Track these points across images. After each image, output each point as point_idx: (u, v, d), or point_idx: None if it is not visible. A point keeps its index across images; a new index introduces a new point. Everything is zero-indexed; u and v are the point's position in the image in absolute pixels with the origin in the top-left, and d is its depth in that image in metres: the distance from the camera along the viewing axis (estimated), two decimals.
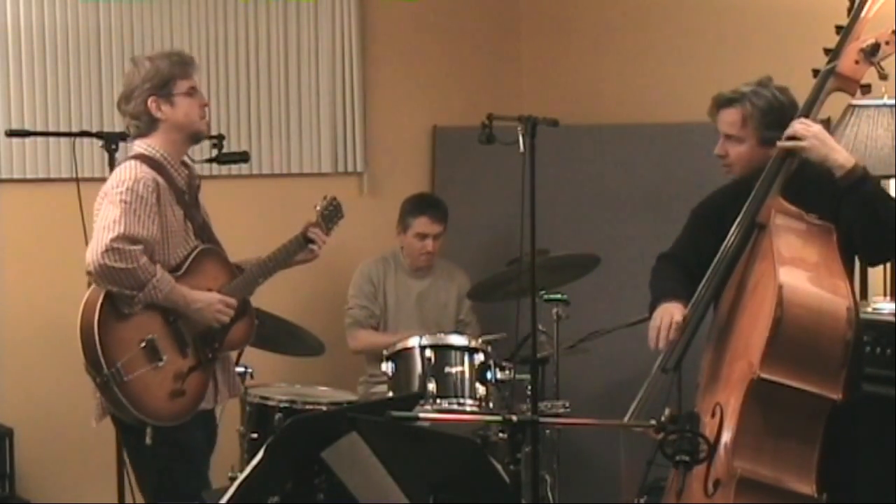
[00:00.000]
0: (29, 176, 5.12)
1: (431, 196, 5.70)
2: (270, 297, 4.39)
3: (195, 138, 4.02)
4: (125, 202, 3.78)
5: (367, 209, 5.82)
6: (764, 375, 3.47)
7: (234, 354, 4.35)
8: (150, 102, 3.91)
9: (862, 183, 3.66)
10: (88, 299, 3.82)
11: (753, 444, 3.51)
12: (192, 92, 3.97)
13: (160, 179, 3.88)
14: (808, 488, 3.49)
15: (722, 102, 3.92)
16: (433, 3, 6.10)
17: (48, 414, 5.14)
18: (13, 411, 5.10)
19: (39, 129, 5.01)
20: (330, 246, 4.33)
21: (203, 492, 4.00)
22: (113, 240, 3.72)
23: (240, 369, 4.67)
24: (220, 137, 4.25)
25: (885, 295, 4.53)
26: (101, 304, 3.78)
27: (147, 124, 3.94)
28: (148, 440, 3.88)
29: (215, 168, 4.63)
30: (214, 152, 4.25)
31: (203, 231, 4.04)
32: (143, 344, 3.80)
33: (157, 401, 3.83)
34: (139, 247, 3.76)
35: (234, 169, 5.00)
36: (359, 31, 5.83)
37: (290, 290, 5.14)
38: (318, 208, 4.36)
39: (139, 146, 3.96)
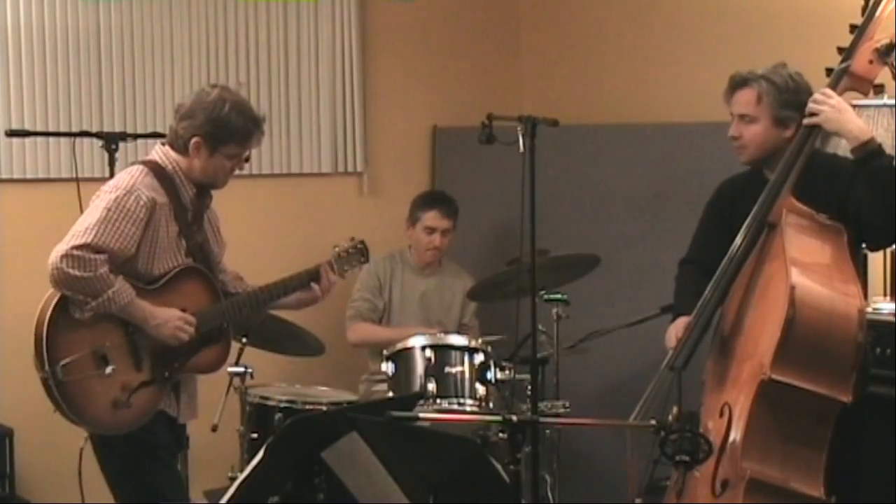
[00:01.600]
0: (29, 176, 5.11)
1: (443, 193, 5.69)
2: None
3: (208, 187, 3.96)
4: (108, 209, 3.71)
5: (367, 209, 5.82)
6: (775, 377, 3.46)
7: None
8: (195, 140, 3.83)
9: (875, 156, 3.65)
10: (49, 294, 3.77)
11: (762, 445, 3.51)
12: (234, 158, 3.90)
13: (160, 195, 3.80)
14: (816, 490, 3.49)
15: (738, 83, 3.91)
16: (433, 3, 6.10)
17: (48, 414, 5.10)
18: (13, 411, 5.10)
19: (39, 129, 5.00)
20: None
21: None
22: (76, 247, 3.65)
23: (240, 369, 4.68)
24: None
25: (885, 295, 4.53)
26: (57, 303, 3.73)
27: (181, 147, 3.87)
28: (82, 444, 3.86)
29: None
30: None
31: (198, 251, 3.94)
32: (92, 350, 3.73)
33: (97, 408, 3.77)
34: (102, 256, 3.67)
35: None
36: (359, 31, 5.83)
37: None
38: (337, 249, 4.29)
39: (158, 152, 3.89)
